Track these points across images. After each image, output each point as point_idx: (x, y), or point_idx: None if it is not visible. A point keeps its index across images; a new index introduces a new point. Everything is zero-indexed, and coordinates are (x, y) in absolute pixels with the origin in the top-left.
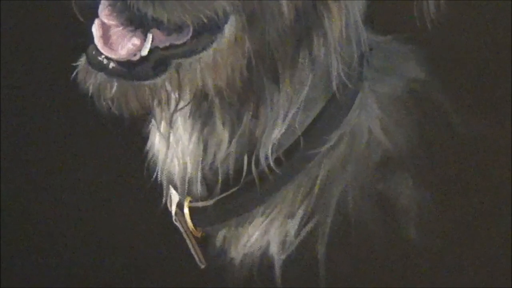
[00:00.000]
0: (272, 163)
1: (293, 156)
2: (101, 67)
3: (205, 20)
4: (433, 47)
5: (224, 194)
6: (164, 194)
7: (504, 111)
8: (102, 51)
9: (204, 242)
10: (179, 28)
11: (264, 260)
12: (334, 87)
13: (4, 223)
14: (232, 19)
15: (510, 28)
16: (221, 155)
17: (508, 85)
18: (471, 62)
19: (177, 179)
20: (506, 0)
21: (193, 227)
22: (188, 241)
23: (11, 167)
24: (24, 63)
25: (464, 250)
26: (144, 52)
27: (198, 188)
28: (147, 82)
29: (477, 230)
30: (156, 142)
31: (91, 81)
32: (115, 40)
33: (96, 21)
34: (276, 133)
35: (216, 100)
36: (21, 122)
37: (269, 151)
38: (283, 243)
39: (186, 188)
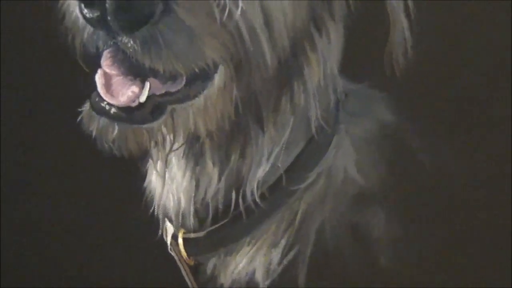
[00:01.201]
0: (257, 198)
1: (276, 192)
2: (104, 112)
3: (197, 70)
4: (401, 93)
5: (214, 226)
6: (160, 227)
7: (467, 149)
8: (104, 98)
9: (196, 270)
10: (173, 77)
11: (250, 285)
12: (313, 130)
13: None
14: (221, 69)
15: (469, 73)
16: (211, 191)
17: (469, 123)
18: (436, 105)
19: (172, 213)
20: (462, 51)
21: (186, 256)
22: (182, 268)
23: (15, 203)
24: (32, 108)
25: (431, 276)
26: (142, 98)
27: (191, 221)
28: (145, 126)
29: (444, 257)
30: (153, 179)
31: (95, 124)
32: (116, 88)
33: (99, 71)
34: (261, 171)
35: (207, 142)
36: (31, 158)
37: (255, 187)
38: (267, 271)
39: (180, 221)
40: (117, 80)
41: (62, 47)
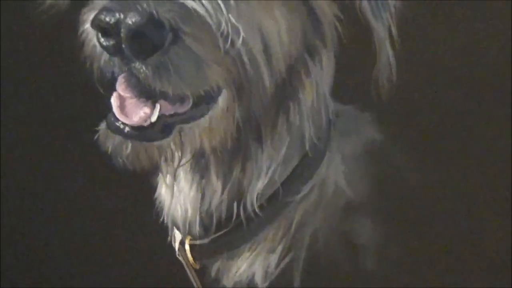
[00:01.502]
0: (256, 209)
1: (273, 203)
2: (118, 131)
3: (203, 93)
4: (386, 114)
5: (218, 234)
6: (169, 234)
7: (444, 164)
8: (119, 118)
9: (202, 273)
10: (181, 99)
11: (250, 287)
12: (307, 147)
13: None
14: (224, 92)
15: (447, 98)
16: (215, 202)
17: (445, 142)
18: (416, 126)
19: (179, 222)
20: (441, 76)
21: (192, 261)
22: (188, 272)
23: (30, 215)
24: (52, 127)
25: (411, 277)
26: (153, 118)
27: (197, 229)
28: (155, 143)
29: (423, 260)
30: (163, 191)
31: (110, 142)
32: (130, 109)
33: (114, 94)
34: (260, 184)
35: (211, 157)
36: (52, 170)
37: (254, 198)
38: (265, 273)
39: (187, 229)
40: (131, 102)
41: (82, 72)
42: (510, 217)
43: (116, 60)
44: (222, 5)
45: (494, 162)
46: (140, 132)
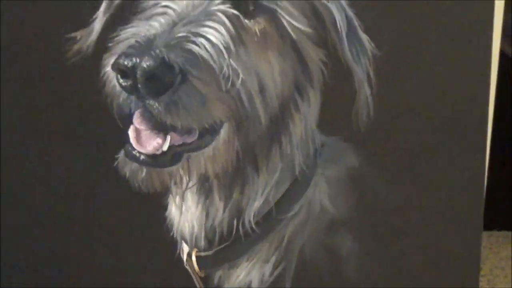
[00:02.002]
0: (253, 225)
1: (268, 220)
2: (135, 159)
3: (207, 126)
4: (365, 144)
5: (220, 247)
6: (178, 247)
7: (416, 187)
8: (135, 147)
9: (206, 280)
10: (189, 131)
11: None
12: (297, 172)
13: None
14: (225, 125)
15: (419, 130)
16: (218, 219)
17: (418, 168)
18: (391, 154)
19: (187, 236)
20: (414, 112)
21: (198, 270)
22: (194, 279)
23: (51, 231)
24: (78, 156)
25: (389, 284)
26: (165, 148)
27: (202, 242)
28: (166, 169)
29: (398, 269)
30: (173, 210)
31: (128, 168)
32: (145, 140)
33: (131, 127)
34: (256, 204)
35: (214, 181)
36: (74, 193)
37: (251, 216)
38: (261, 281)
39: (194, 242)
40: (145, 133)
41: (103, 108)
42: (476, 233)
43: (133, 98)
44: (224, 51)
45: (462, 187)
46: (154, 160)
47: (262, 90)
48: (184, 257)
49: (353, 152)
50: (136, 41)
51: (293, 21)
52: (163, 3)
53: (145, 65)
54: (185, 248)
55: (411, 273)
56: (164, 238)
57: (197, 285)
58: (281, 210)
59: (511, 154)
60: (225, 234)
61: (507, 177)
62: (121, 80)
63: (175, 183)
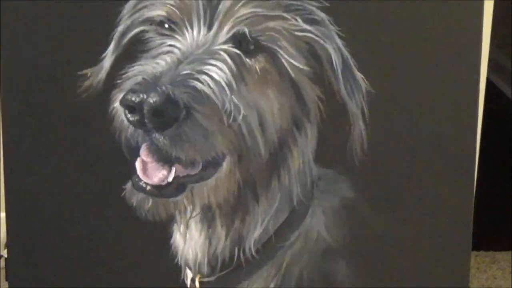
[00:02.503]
0: (253, 253)
1: (267, 248)
2: (141, 189)
3: (210, 159)
4: (359, 177)
5: (222, 273)
6: (182, 273)
7: (404, 216)
8: (142, 178)
9: None
10: (192, 163)
11: None
12: (295, 202)
13: None
14: (227, 158)
15: (410, 164)
16: (220, 247)
17: (408, 200)
18: (384, 186)
19: (191, 263)
20: (406, 148)
21: None
22: None
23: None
24: (87, 187)
25: None
26: (170, 179)
27: (205, 269)
28: (171, 199)
29: None
30: (177, 238)
31: (135, 198)
32: (151, 171)
33: (138, 159)
34: (257, 233)
35: (217, 211)
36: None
37: (252, 244)
38: None
39: (197, 269)
40: (152, 165)
41: (112, 141)
42: (465, 254)
43: (140, 131)
44: (226, 88)
45: (451, 215)
46: (159, 190)
47: (262, 124)
48: (188, 283)
49: (347, 184)
50: (143, 78)
51: (292, 60)
52: (169, 43)
53: (151, 101)
54: (189, 274)
55: None
56: (169, 264)
57: None
58: (280, 238)
59: (497, 178)
60: (227, 261)
61: (493, 202)
62: (129, 115)
63: (180, 212)
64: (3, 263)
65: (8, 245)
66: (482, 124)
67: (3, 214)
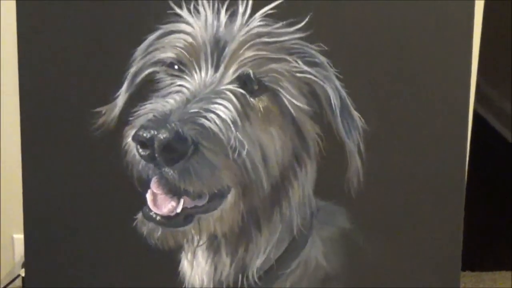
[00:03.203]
0: (256, 279)
1: (269, 275)
2: (152, 219)
3: (216, 191)
4: (355, 208)
5: None
6: None
7: (398, 246)
8: (152, 209)
9: None
10: (200, 196)
11: None
12: (295, 232)
13: None
14: (232, 190)
15: (404, 197)
16: (225, 274)
17: (402, 230)
18: (379, 218)
19: None
20: (401, 180)
21: None
22: None
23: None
24: (100, 218)
25: None
26: (178, 210)
27: None
28: (180, 229)
29: None
30: (185, 265)
31: (145, 227)
32: (160, 203)
33: (149, 191)
34: (259, 261)
35: (222, 240)
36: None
37: (255, 271)
38: None
39: None
40: (161, 197)
41: (124, 174)
42: (455, 275)
43: (150, 165)
44: (231, 125)
45: (441, 244)
46: (168, 221)
47: (265, 159)
48: None
49: (345, 215)
50: (154, 116)
51: (293, 100)
52: (178, 83)
53: (161, 137)
54: None
55: None
56: None
57: None
58: (281, 266)
59: (485, 202)
60: (231, 287)
61: (481, 227)
62: (140, 150)
63: (187, 241)
64: (20, 283)
65: (25, 265)
66: (470, 156)
67: (21, 236)
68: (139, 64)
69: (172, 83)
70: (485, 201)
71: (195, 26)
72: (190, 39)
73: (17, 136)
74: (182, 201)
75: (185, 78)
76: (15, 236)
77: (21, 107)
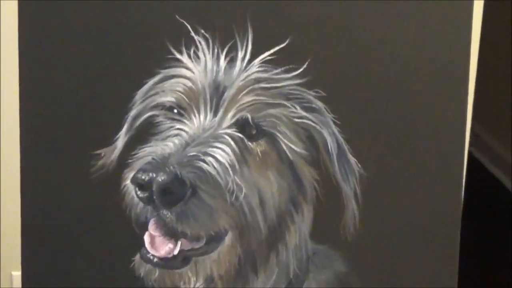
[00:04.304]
0: None
1: None
2: (149, 261)
3: (213, 234)
4: (352, 252)
5: None
6: None
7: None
8: (149, 251)
9: None
10: (197, 238)
11: None
12: (291, 276)
13: None
14: (229, 233)
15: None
16: None
17: (397, 269)
18: (373, 262)
19: None
20: (396, 220)
21: None
22: None
23: None
24: (99, 259)
25: None
26: (176, 252)
27: None
28: (177, 271)
29: None
30: None
31: (142, 269)
32: (158, 245)
33: (146, 233)
34: None
35: (219, 282)
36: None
37: None
38: None
39: None
40: (159, 239)
41: (122, 216)
42: None
43: (149, 208)
44: (229, 169)
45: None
46: (166, 262)
47: (262, 203)
48: None
49: (341, 259)
50: (153, 159)
51: (291, 144)
52: (177, 126)
53: (160, 180)
54: None
55: None
56: None
57: None
58: None
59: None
60: None
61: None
62: (138, 192)
63: (184, 283)
64: None
65: None
66: (464, 199)
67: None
68: (139, 107)
69: (171, 127)
70: (481, 246)
71: (195, 71)
72: (189, 84)
73: (16, 177)
74: (179, 243)
75: (184, 122)
76: (13, 273)
77: (21, 149)
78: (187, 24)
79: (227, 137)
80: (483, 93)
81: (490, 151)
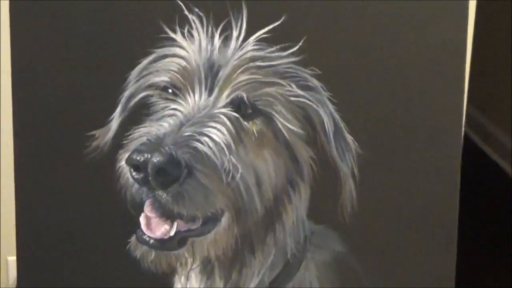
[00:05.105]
0: None
1: None
2: (145, 243)
3: (209, 214)
4: (349, 232)
5: None
6: None
7: (389, 270)
8: (145, 232)
9: None
10: (193, 219)
11: None
12: (289, 256)
13: None
14: (226, 214)
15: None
16: None
17: (394, 250)
18: (371, 241)
19: None
20: (393, 211)
21: None
22: None
23: None
24: (96, 240)
25: None
26: (172, 233)
27: None
28: (173, 252)
29: None
30: None
31: (139, 251)
32: (154, 226)
33: (142, 214)
34: (253, 285)
35: (216, 263)
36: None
37: None
38: None
39: None
40: (155, 220)
41: (117, 197)
42: None
43: (144, 189)
44: (225, 149)
45: (433, 273)
46: (162, 244)
47: (258, 183)
48: None
49: (338, 239)
50: (148, 139)
51: (287, 124)
52: (172, 106)
53: (155, 160)
54: None
55: None
56: None
57: None
58: None
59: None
60: None
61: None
62: (134, 173)
63: (181, 265)
64: None
65: None
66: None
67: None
68: (133, 87)
69: (166, 107)
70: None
71: (189, 50)
72: (184, 63)
73: (10, 158)
74: (175, 224)
75: (179, 102)
76: (9, 258)
77: (14, 130)
78: (180, 3)
79: (222, 116)
80: (479, 75)
81: (484, 132)
